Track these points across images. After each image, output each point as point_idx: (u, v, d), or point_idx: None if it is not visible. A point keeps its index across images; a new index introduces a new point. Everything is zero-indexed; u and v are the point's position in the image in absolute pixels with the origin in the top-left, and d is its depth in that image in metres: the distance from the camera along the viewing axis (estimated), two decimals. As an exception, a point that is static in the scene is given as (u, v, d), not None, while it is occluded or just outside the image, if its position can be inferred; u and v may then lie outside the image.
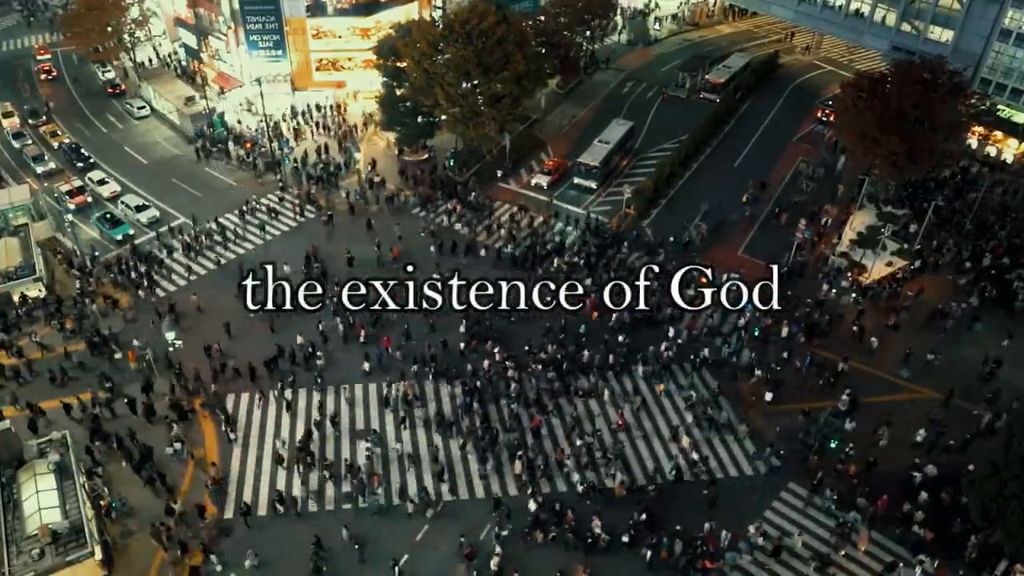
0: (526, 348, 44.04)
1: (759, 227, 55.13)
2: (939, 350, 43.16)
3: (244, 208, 55.24)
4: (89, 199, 56.84)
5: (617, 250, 51.79)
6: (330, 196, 57.41)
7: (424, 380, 42.61)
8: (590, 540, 33.98)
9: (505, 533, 34.29)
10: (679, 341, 44.84)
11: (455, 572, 33.20)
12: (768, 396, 41.25)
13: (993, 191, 57.00)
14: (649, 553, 33.37)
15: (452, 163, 60.39)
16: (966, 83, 53.88)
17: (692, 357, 43.83)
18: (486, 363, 42.98)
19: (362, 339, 44.58)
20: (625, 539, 34.02)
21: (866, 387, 41.82)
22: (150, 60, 77.20)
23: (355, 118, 67.06)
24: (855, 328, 45.25)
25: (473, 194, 57.35)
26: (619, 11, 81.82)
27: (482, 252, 51.63)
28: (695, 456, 38.53)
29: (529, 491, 36.24)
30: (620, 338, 44.67)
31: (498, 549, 33.41)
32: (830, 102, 64.69)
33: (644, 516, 34.76)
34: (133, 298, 48.00)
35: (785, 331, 45.07)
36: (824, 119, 65.51)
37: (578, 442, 38.93)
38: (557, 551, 34.07)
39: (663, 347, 44.04)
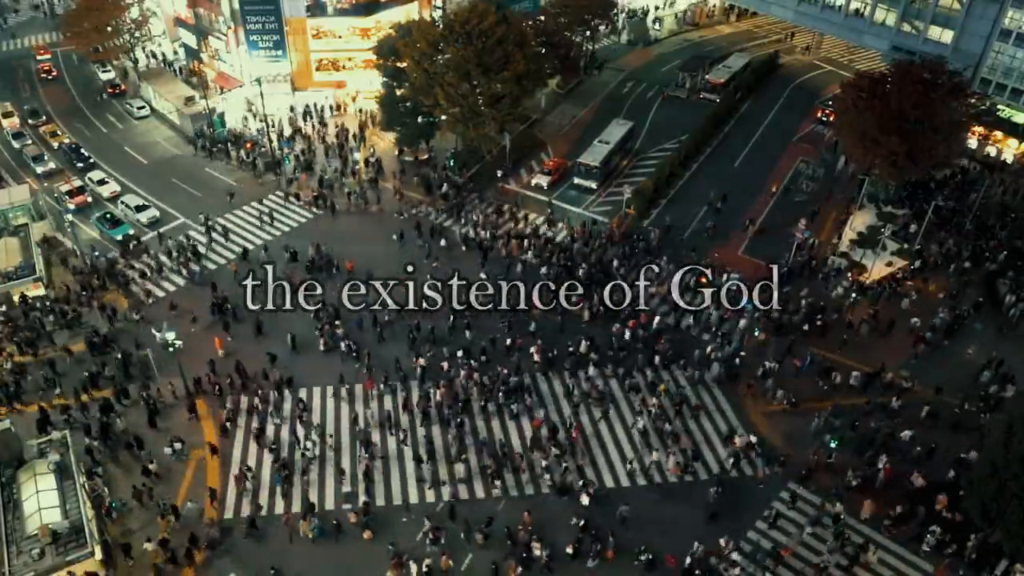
0: (568, 348, 43.90)
1: (759, 227, 55.11)
2: (911, 369, 42.88)
3: (208, 223, 53.86)
4: (89, 199, 56.80)
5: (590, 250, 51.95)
6: (331, 196, 57.41)
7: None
8: (525, 556, 33.52)
9: (442, 541, 34.15)
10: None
11: None
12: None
13: (992, 190, 57.00)
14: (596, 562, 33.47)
15: (452, 163, 60.38)
16: (966, 83, 53.91)
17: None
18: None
19: (322, 348, 44.22)
20: (569, 551, 33.63)
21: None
22: (149, 55, 77.24)
23: (355, 118, 66.99)
24: (819, 323, 45.46)
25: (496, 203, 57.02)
26: (619, 11, 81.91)
27: (442, 242, 51.43)
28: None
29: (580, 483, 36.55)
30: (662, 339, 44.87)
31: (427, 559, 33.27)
32: (830, 102, 64.72)
33: (582, 522, 34.46)
34: (132, 299, 48.07)
35: (743, 323, 45.58)
36: (824, 119, 65.53)
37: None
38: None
39: (708, 349, 44.01)
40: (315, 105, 67.32)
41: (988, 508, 32.25)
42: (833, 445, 38.20)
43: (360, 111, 67.06)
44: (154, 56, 77.32)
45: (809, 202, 57.20)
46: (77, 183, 57.77)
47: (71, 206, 55.23)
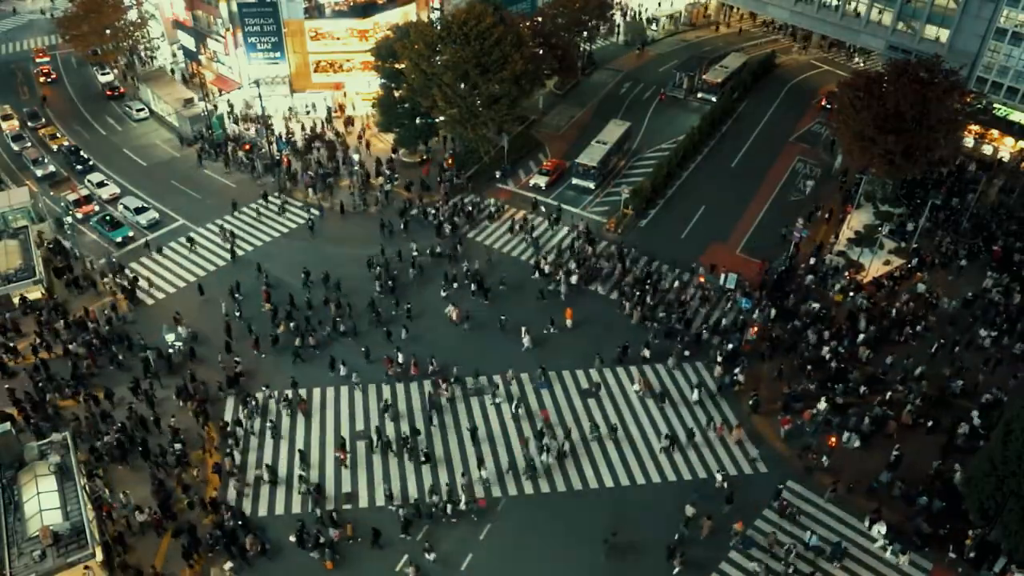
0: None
1: (757, 226, 55.33)
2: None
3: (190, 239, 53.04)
4: (96, 207, 56.81)
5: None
6: (331, 197, 57.52)
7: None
8: None
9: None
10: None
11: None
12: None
13: (988, 188, 57.19)
14: None
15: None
16: (962, 82, 54.07)
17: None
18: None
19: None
20: None
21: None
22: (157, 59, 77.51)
23: (353, 120, 67.22)
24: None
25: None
26: (618, 12, 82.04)
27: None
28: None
29: None
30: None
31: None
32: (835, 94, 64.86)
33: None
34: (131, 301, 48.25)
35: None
36: (828, 106, 65.37)
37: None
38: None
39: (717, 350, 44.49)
40: (312, 106, 67.55)
41: (986, 506, 32.40)
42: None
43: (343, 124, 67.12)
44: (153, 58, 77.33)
45: (806, 201, 57.37)
46: (84, 192, 57.72)
47: (79, 215, 55.24)
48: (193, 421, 40.19)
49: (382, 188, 57.93)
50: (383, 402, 41.17)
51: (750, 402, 41.19)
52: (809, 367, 42.47)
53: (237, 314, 46.45)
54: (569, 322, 45.85)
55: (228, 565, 33.36)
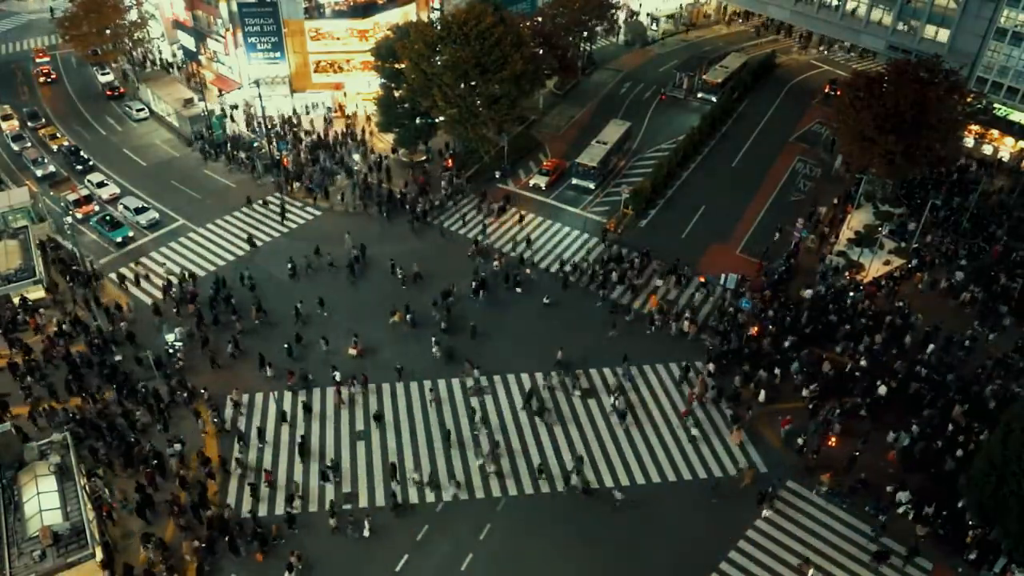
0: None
1: (756, 226, 55.33)
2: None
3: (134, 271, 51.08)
4: (96, 207, 56.78)
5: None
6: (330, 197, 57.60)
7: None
8: None
9: None
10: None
11: None
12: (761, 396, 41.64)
13: (989, 188, 57.22)
14: None
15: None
16: (962, 82, 54.09)
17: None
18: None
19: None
20: None
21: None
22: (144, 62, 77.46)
23: (354, 120, 67.26)
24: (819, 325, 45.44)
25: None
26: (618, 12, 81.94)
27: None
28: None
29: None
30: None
31: None
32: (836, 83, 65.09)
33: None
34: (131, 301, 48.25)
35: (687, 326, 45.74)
36: (833, 92, 65.13)
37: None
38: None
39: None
40: (312, 105, 67.59)
41: (986, 506, 32.41)
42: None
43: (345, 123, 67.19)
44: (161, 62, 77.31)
45: (806, 201, 57.38)
46: (84, 192, 57.66)
47: (79, 215, 55.14)
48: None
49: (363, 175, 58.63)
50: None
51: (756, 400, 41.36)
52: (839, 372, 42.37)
53: (175, 310, 46.79)
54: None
55: (196, 543, 33.66)
